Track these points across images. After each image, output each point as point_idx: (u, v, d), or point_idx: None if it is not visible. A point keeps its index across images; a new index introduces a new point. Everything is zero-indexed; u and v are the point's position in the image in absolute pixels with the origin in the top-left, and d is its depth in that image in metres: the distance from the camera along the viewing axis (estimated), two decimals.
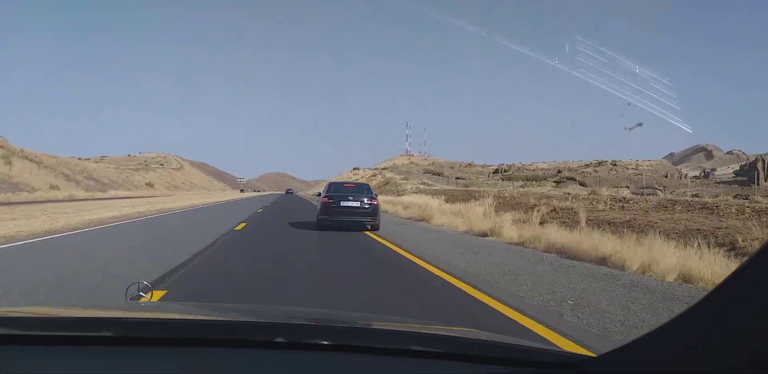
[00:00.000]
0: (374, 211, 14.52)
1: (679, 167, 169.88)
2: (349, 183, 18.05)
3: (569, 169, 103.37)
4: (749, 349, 0.71)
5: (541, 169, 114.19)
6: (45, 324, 1.43)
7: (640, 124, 5.77)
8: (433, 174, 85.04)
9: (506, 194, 27.81)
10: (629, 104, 6.33)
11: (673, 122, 6.47)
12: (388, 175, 78.49)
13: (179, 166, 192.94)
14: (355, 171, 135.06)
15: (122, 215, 20.35)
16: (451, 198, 31.09)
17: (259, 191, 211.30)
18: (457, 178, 75.49)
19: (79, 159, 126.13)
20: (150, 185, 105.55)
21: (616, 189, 39.74)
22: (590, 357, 1.13)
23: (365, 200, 14.51)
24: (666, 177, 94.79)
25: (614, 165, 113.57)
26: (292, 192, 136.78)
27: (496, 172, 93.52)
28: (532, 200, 22.01)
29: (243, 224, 16.86)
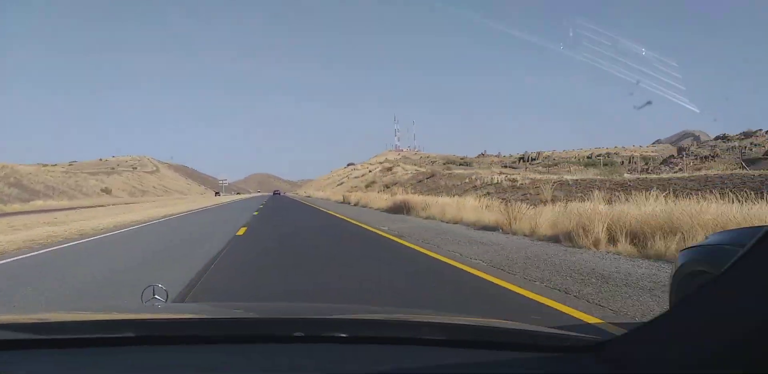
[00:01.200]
0: None
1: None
2: None
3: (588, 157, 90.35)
4: (748, 333, 0.74)
5: (563, 158, 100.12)
6: (66, 328, 1.43)
7: (649, 103, 7.34)
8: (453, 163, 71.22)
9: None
10: (638, 82, 6.89)
11: (680, 103, 7.14)
12: (408, 167, 63.56)
13: (154, 168, 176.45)
14: (351, 167, 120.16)
15: None
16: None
17: (239, 193, 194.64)
18: (505, 166, 60.91)
19: (44, 166, 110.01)
20: (106, 191, 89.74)
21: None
22: (603, 341, 1.14)
23: None
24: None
25: (616, 154, 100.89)
26: (279, 193, 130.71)
27: (521, 160, 79.75)
28: None
29: None
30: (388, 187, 52.10)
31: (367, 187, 62.52)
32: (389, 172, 62.89)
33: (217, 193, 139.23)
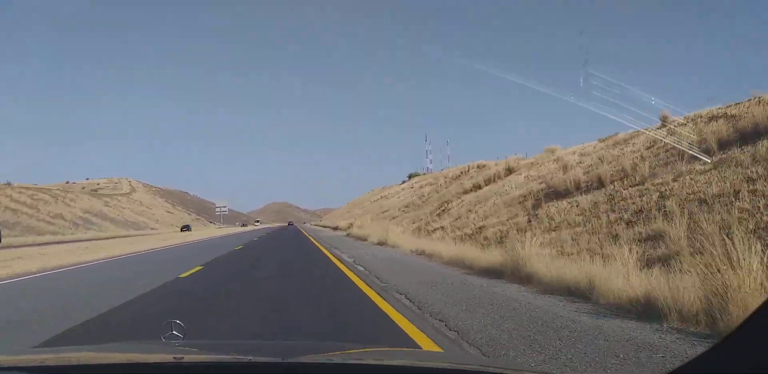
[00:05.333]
0: None
1: None
2: None
3: None
4: None
5: None
6: (87, 370, 1.52)
7: None
8: None
9: None
10: None
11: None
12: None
13: (129, 190, 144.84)
14: (383, 190, 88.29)
15: None
16: None
17: (245, 225, 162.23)
18: None
19: None
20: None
21: None
22: None
23: None
24: None
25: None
26: (292, 225, 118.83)
27: None
28: None
29: None
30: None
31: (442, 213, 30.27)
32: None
33: (184, 228, 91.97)
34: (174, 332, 2.28)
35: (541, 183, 21.58)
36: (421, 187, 60.67)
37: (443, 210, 31.52)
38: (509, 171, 30.54)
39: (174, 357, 1.70)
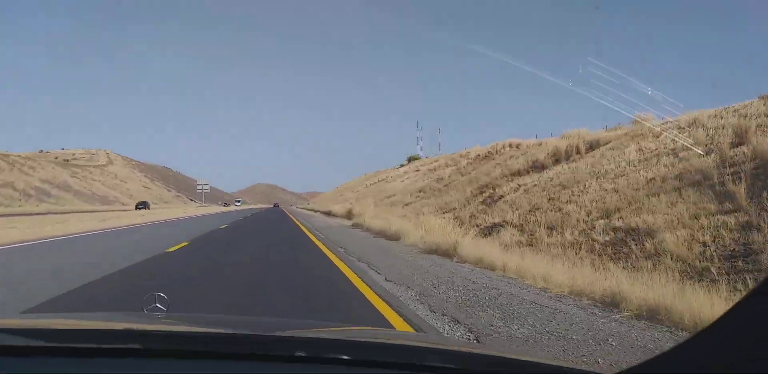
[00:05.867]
0: None
1: None
2: None
3: None
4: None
5: None
6: (65, 336, 1.45)
7: None
8: None
9: None
10: None
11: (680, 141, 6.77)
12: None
13: (106, 162, 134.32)
14: (391, 173, 79.62)
15: None
16: None
17: (227, 204, 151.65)
18: None
19: None
20: None
21: None
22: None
23: None
24: None
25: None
26: (278, 206, 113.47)
27: None
28: None
29: None
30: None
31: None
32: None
33: (140, 205, 77.67)
34: (157, 304, 2.17)
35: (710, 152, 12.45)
36: (430, 170, 51.56)
37: (489, 197, 22.39)
38: (590, 147, 21.37)
39: (154, 328, 1.68)
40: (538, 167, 23.15)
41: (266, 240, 17.49)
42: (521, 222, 15.90)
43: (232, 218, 39.93)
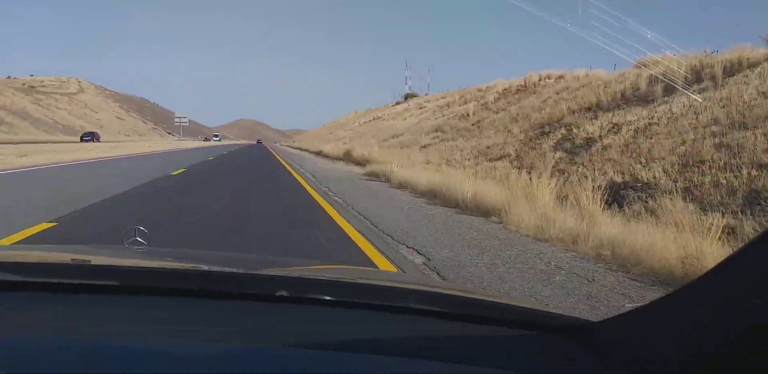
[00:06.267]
0: None
1: None
2: None
3: None
4: (746, 323, 0.73)
5: None
6: (36, 270, 1.40)
7: None
8: None
9: None
10: None
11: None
12: None
13: (76, 91, 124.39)
14: (366, 113, 72.22)
15: None
16: None
17: (207, 139, 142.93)
18: None
19: None
20: None
21: None
22: (598, 322, 1.10)
23: None
24: None
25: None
26: (261, 142, 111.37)
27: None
28: None
29: None
30: None
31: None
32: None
33: (88, 136, 66.55)
34: (137, 238, 2.09)
35: None
36: (440, 106, 44.35)
37: (565, 139, 15.58)
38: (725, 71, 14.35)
39: (132, 264, 1.61)
40: (637, 99, 16.20)
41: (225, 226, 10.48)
42: (684, 183, 9.18)
43: (198, 158, 30.87)
